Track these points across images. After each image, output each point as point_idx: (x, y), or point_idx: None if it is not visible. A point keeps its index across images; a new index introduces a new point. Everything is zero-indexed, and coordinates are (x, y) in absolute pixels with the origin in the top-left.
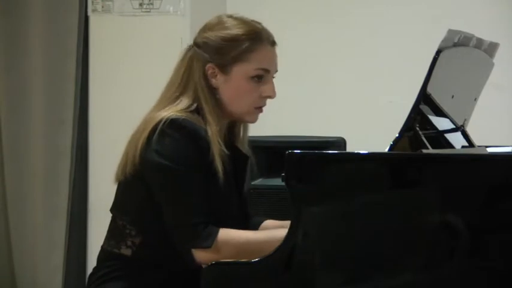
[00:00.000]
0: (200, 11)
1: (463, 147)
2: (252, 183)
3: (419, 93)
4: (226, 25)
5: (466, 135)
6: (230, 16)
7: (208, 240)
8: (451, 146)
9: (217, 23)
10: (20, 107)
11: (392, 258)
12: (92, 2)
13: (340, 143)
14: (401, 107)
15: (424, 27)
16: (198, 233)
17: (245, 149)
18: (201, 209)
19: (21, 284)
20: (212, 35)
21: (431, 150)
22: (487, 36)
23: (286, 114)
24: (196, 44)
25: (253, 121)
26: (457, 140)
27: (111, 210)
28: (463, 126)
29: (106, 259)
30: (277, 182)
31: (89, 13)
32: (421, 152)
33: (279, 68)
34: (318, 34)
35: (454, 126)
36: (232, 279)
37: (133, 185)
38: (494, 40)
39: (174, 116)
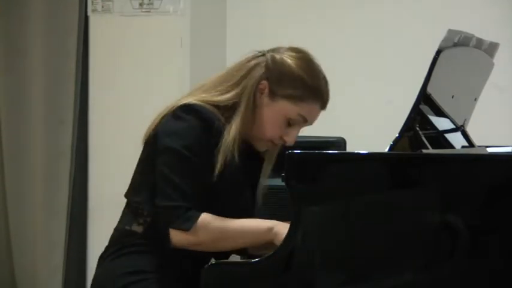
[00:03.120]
0: (200, 11)
1: (463, 147)
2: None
3: (419, 93)
4: (305, 64)
5: (466, 135)
6: (311, 59)
7: (187, 222)
8: (451, 146)
9: (301, 57)
10: (20, 107)
11: (392, 258)
12: (92, 2)
13: (340, 143)
14: (401, 107)
15: (424, 27)
16: (178, 215)
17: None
18: (188, 194)
19: (21, 284)
20: (289, 61)
21: (431, 150)
22: (487, 36)
23: None
24: (273, 58)
25: (261, 150)
26: (457, 140)
27: (126, 195)
28: (463, 126)
29: (118, 237)
30: (277, 182)
31: (89, 13)
32: (421, 152)
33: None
34: (317, 34)
35: (454, 126)
36: (232, 279)
37: (147, 165)
38: (494, 40)
39: (190, 102)
